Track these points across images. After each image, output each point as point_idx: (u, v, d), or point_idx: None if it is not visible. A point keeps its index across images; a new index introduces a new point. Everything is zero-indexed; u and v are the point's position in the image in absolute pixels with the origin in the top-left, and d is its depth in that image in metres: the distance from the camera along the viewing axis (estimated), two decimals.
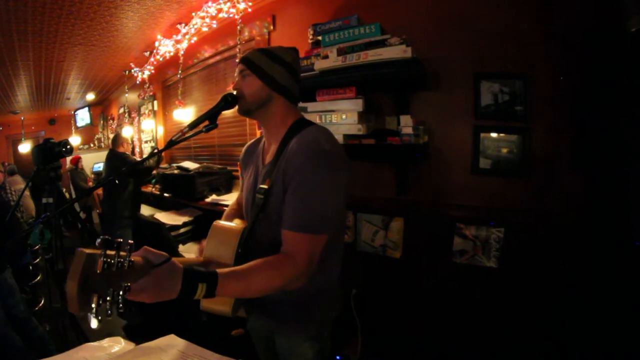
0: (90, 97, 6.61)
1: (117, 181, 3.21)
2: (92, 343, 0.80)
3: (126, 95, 5.46)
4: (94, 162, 6.13)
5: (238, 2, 2.67)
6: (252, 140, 1.19)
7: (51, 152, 1.65)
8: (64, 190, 1.93)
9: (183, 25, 3.27)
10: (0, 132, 8.04)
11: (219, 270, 0.73)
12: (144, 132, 5.08)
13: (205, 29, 3.15)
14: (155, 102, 4.63)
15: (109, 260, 0.56)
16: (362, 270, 1.91)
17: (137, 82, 4.83)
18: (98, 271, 0.54)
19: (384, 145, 1.61)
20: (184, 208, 2.91)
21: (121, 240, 0.57)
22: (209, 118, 0.93)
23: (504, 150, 1.55)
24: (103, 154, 4.19)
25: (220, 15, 2.85)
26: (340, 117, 1.67)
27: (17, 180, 4.15)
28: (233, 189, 2.93)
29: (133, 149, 5.17)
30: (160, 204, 3.33)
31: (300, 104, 1.75)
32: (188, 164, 3.16)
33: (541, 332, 1.46)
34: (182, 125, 3.70)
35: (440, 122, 1.70)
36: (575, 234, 1.39)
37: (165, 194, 3.18)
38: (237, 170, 2.85)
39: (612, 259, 1.31)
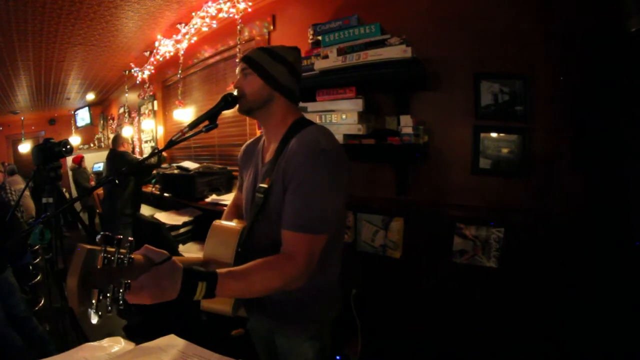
0: (90, 97, 6.62)
1: (117, 181, 3.21)
2: (92, 343, 0.80)
3: (126, 95, 5.46)
4: (94, 162, 6.13)
5: (238, 2, 2.67)
6: (251, 140, 1.19)
7: (51, 152, 1.64)
8: (64, 190, 1.93)
9: (183, 25, 3.27)
10: (0, 132, 8.03)
11: (218, 270, 0.73)
12: (144, 132, 5.08)
13: (205, 29, 3.15)
14: (155, 102, 4.63)
15: (109, 256, 0.56)
16: (362, 270, 1.91)
17: (137, 82, 4.83)
18: (98, 267, 0.54)
19: (384, 145, 1.61)
20: (184, 208, 2.91)
21: (121, 237, 0.58)
22: (209, 118, 0.93)
23: (504, 150, 1.55)
24: (103, 154, 4.20)
25: (220, 15, 2.85)
26: (340, 117, 1.67)
27: (17, 180, 4.15)
28: (233, 189, 2.93)
29: (133, 149, 5.18)
30: (160, 204, 3.33)
31: (300, 104, 1.75)
32: (188, 164, 3.16)
33: (541, 332, 1.46)
34: (182, 125, 3.71)
35: (440, 122, 1.70)
36: (575, 234, 1.39)
37: (165, 194, 3.18)
38: (237, 170, 2.85)
39: (612, 259, 1.31)
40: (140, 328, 2.47)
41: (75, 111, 7.52)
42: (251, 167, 1.08)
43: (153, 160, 3.32)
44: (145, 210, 3.32)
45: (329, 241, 0.88)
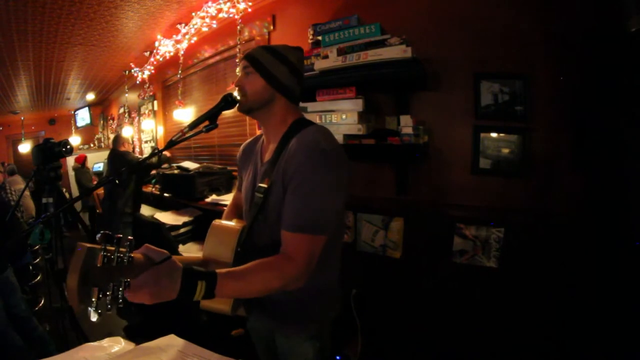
0: (90, 97, 6.62)
1: (117, 181, 3.21)
2: (92, 343, 0.80)
3: (126, 95, 5.46)
4: (94, 162, 6.13)
5: (238, 2, 2.67)
6: (250, 139, 1.18)
7: (51, 152, 1.64)
8: (64, 190, 1.93)
9: (183, 25, 3.27)
10: (0, 132, 8.04)
11: (218, 270, 0.73)
12: (144, 132, 5.08)
13: (205, 29, 3.15)
14: (155, 102, 4.63)
15: (109, 255, 0.56)
16: (362, 270, 1.91)
17: (137, 82, 4.83)
18: (98, 265, 0.55)
19: (384, 145, 1.61)
20: (184, 208, 2.92)
21: (121, 236, 0.58)
22: (209, 118, 0.93)
23: (504, 150, 1.55)
24: (103, 154, 4.20)
25: (220, 15, 2.85)
26: (340, 117, 1.67)
27: (17, 180, 4.15)
28: (233, 189, 2.93)
29: (133, 149, 5.18)
30: (160, 204, 3.33)
31: (300, 104, 1.75)
32: (188, 164, 3.17)
33: (541, 332, 1.46)
34: (182, 125, 3.71)
35: (440, 122, 1.70)
36: (575, 234, 1.39)
37: (165, 194, 3.18)
38: (237, 170, 2.85)
39: (612, 259, 1.31)
40: (140, 328, 2.47)
41: (75, 111, 7.52)
42: (250, 166, 1.08)
43: (154, 159, 3.32)
44: (145, 210, 3.32)
45: (328, 241, 0.88)
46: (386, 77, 1.53)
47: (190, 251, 2.55)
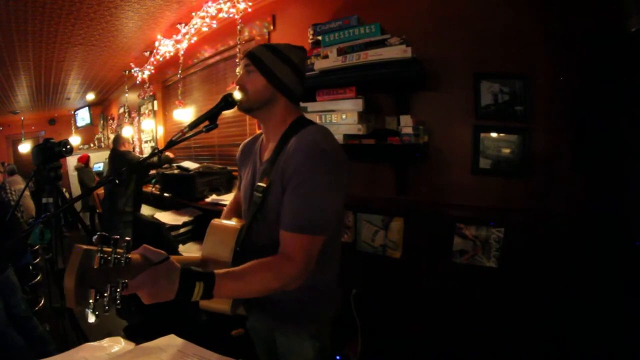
0: (90, 97, 6.62)
1: (117, 181, 3.21)
2: (92, 343, 0.80)
3: (126, 95, 5.46)
4: (94, 162, 6.13)
5: (238, 2, 2.67)
6: (249, 138, 1.18)
7: (51, 152, 1.65)
8: (64, 190, 1.93)
9: (183, 25, 3.27)
10: (0, 132, 8.04)
11: (216, 271, 0.73)
12: (144, 132, 5.08)
13: (205, 29, 3.15)
14: (155, 102, 4.63)
15: (105, 256, 0.56)
16: (362, 270, 1.91)
17: (137, 82, 4.83)
18: (95, 267, 0.55)
19: (384, 145, 1.61)
20: (184, 208, 2.92)
21: (118, 237, 0.58)
22: (209, 118, 0.93)
23: (504, 150, 1.55)
24: (103, 154, 4.19)
25: (220, 15, 2.85)
26: (340, 117, 1.67)
27: (17, 180, 4.15)
28: (233, 189, 2.93)
29: (133, 148, 5.17)
30: (160, 204, 3.33)
31: (301, 104, 1.75)
32: (188, 164, 3.17)
33: (541, 332, 1.46)
34: (182, 125, 3.71)
35: (440, 122, 1.70)
36: (575, 234, 1.38)
37: (165, 194, 3.18)
38: (237, 170, 2.85)
39: (612, 259, 1.31)
40: (140, 328, 2.47)
41: (75, 111, 7.52)
42: (249, 165, 1.08)
43: (155, 159, 3.32)
44: (145, 210, 3.32)
45: (328, 241, 0.88)
46: (386, 77, 1.53)
47: (190, 251, 2.55)
